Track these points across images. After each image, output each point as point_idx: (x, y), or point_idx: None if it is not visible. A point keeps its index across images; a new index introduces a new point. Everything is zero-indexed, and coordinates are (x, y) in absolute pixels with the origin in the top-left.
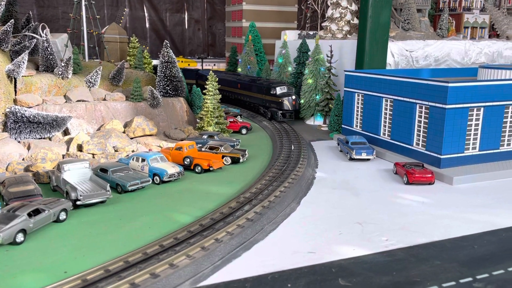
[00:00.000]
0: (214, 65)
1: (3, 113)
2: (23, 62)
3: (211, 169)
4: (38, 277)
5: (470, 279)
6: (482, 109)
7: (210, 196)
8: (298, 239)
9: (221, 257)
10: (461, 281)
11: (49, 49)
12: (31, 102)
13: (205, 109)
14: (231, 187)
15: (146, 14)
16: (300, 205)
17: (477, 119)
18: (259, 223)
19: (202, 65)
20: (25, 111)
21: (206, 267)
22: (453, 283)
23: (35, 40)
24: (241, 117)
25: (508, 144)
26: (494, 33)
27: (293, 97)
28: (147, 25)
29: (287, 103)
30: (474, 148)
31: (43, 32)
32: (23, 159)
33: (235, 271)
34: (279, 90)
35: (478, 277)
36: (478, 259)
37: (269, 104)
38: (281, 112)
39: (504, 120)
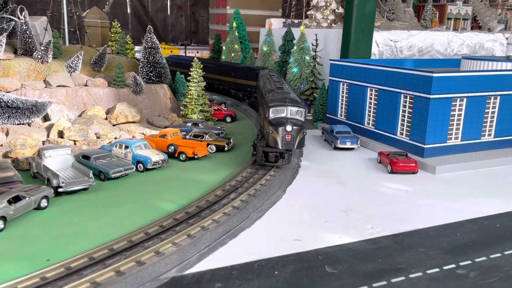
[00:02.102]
0: (197, 52)
1: None
2: (0, 45)
3: (195, 157)
4: (19, 265)
5: (453, 265)
6: (465, 99)
7: (195, 184)
8: (284, 227)
9: (207, 245)
10: (445, 267)
11: (27, 32)
12: (9, 87)
13: (189, 96)
14: (217, 175)
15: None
16: (285, 193)
17: (460, 109)
18: (245, 211)
19: (185, 52)
20: (3, 95)
21: (192, 254)
22: (437, 269)
23: (13, 22)
24: (225, 105)
25: (489, 134)
26: (476, 25)
27: (289, 127)
28: (129, 11)
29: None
30: (456, 138)
31: (21, 15)
32: (1, 145)
33: (222, 258)
34: (272, 114)
35: (461, 263)
36: (461, 246)
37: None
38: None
39: (486, 110)
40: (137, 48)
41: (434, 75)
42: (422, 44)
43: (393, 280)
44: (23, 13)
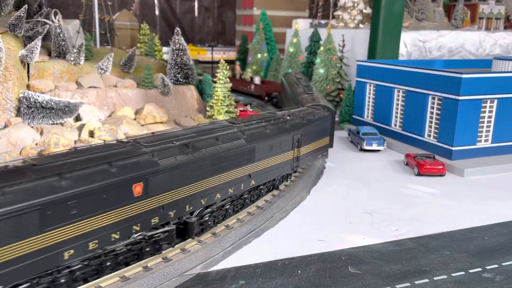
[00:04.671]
0: (224, 53)
1: (16, 98)
2: (36, 47)
3: None
4: None
5: (479, 269)
6: (495, 101)
7: None
8: (308, 227)
9: (232, 243)
10: (471, 271)
11: (61, 35)
12: (44, 88)
13: (215, 97)
14: None
15: (156, 1)
16: (310, 194)
17: (490, 111)
18: (269, 211)
19: (212, 54)
20: (38, 96)
21: (217, 252)
22: (462, 272)
23: (48, 26)
24: (251, 106)
25: None
26: (509, 24)
27: None
28: (157, 12)
29: None
30: (486, 141)
31: (55, 18)
32: (36, 144)
33: (246, 257)
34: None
35: (488, 267)
36: (488, 250)
37: None
38: None
39: None
40: (164, 49)
41: (463, 76)
42: (452, 44)
43: (417, 282)
44: (57, 16)
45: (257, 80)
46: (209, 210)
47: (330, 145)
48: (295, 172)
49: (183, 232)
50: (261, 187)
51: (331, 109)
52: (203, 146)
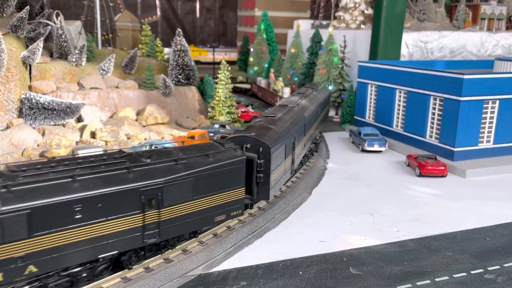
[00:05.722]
0: (225, 54)
1: (18, 100)
2: (38, 49)
3: None
4: None
5: (481, 270)
6: (497, 102)
7: None
8: (309, 228)
9: (233, 244)
10: (472, 272)
11: (63, 36)
12: (46, 89)
13: (216, 98)
14: None
15: (157, 2)
16: (311, 195)
17: (492, 112)
18: (270, 212)
19: (213, 55)
20: (40, 97)
21: (219, 253)
22: (464, 274)
23: (50, 27)
24: (252, 107)
25: None
26: (511, 25)
27: None
28: (158, 13)
29: None
30: (488, 141)
31: (57, 19)
32: (38, 145)
33: (247, 258)
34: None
35: (490, 268)
36: (489, 251)
37: None
38: None
39: None
40: (166, 50)
41: (465, 76)
42: (454, 45)
43: (418, 283)
44: (58, 17)
45: (286, 92)
46: None
47: (264, 197)
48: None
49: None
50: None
51: (263, 146)
52: None
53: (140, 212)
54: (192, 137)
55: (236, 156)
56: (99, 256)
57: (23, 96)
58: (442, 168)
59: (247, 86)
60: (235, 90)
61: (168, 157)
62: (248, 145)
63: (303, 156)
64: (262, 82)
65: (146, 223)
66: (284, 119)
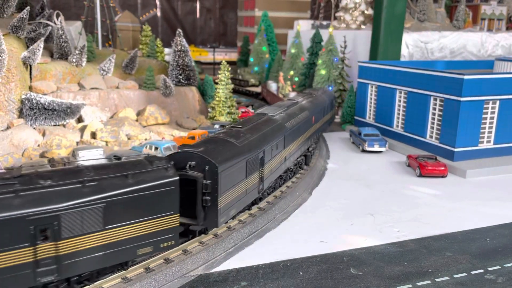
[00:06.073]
0: (226, 54)
1: (19, 100)
2: (38, 49)
3: None
4: None
5: (481, 270)
6: (497, 102)
7: None
8: (310, 228)
9: (233, 244)
10: (473, 272)
11: (63, 36)
12: (46, 89)
13: (217, 98)
14: None
15: (157, 3)
16: (311, 195)
17: (493, 112)
18: (271, 212)
19: (214, 55)
20: (40, 98)
21: (219, 253)
22: (464, 274)
23: (50, 27)
24: (253, 107)
25: None
26: (511, 25)
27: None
28: (159, 14)
29: None
30: (488, 142)
31: (57, 20)
32: (38, 145)
33: (248, 258)
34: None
35: (490, 269)
36: (490, 251)
37: None
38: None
39: None
40: (166, 50)
41: (465, 77)
42: (454, 45)
43: (418, 284)
44: (59, 18)
45: (292, 97)
46: None
47: (212, 223)
48: None
49: None
50: None
51: (210, 162)
52: None
53: (29, 245)
54: (193, 137)
55: (166, 176)
56: None
57: (23, 96)
58: (443, 168)
59: (258, 90)
60: (247, 94)
61: (73, 178)
62: (193, 163)
63: (283, 171)
64: (272, 86)
65: (38, 258)
66: (253, 130)
